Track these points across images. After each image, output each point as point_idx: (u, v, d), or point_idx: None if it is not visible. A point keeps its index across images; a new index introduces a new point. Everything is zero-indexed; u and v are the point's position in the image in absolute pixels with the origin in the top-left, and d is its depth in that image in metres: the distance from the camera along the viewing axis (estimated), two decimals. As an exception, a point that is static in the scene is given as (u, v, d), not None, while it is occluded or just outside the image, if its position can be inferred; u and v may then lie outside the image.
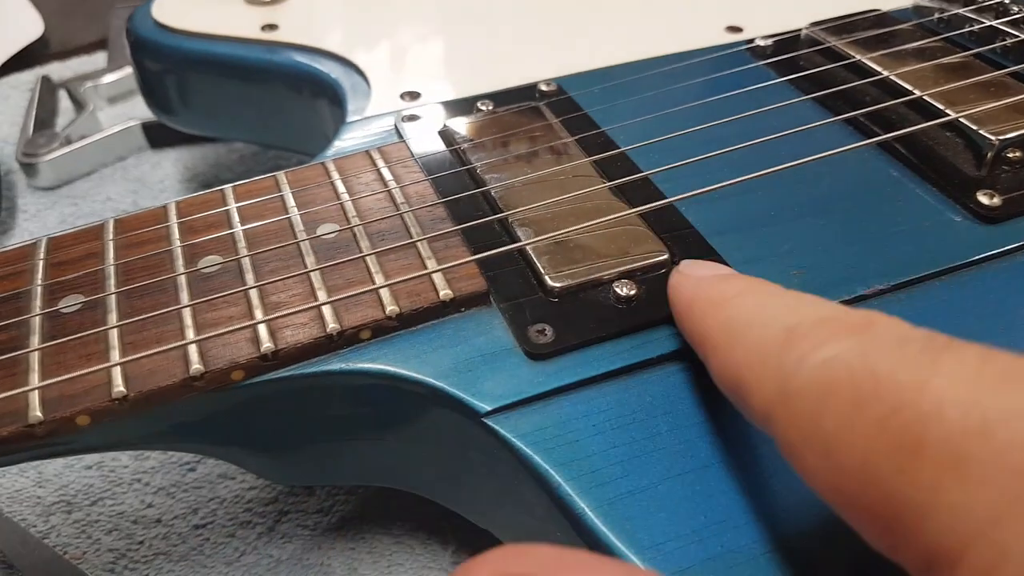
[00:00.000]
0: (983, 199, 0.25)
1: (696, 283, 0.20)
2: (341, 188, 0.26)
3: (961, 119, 0.27)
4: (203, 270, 0.23)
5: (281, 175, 0.27)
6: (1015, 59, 0.31)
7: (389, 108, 0.32)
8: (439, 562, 0.28)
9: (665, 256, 0.23)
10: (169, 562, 0.29)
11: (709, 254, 0.24)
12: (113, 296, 0.22)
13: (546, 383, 0.20)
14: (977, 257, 0.24)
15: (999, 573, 0.11)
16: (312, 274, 0.23)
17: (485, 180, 0.26)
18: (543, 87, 0.32)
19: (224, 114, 0.38)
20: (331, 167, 0.27)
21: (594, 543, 0.18)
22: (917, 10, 0.36)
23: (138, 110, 0.49)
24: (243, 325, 0.21)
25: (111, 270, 0.23)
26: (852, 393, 0.13)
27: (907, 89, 0.29)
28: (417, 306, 0.22)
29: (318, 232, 0.24)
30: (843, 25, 0.34)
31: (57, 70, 0.56)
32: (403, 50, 0.36)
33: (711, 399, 0.20)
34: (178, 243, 0.24)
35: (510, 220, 0.25)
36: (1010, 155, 0.27)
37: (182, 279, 0.23)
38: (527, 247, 0.24)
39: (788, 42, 0.34)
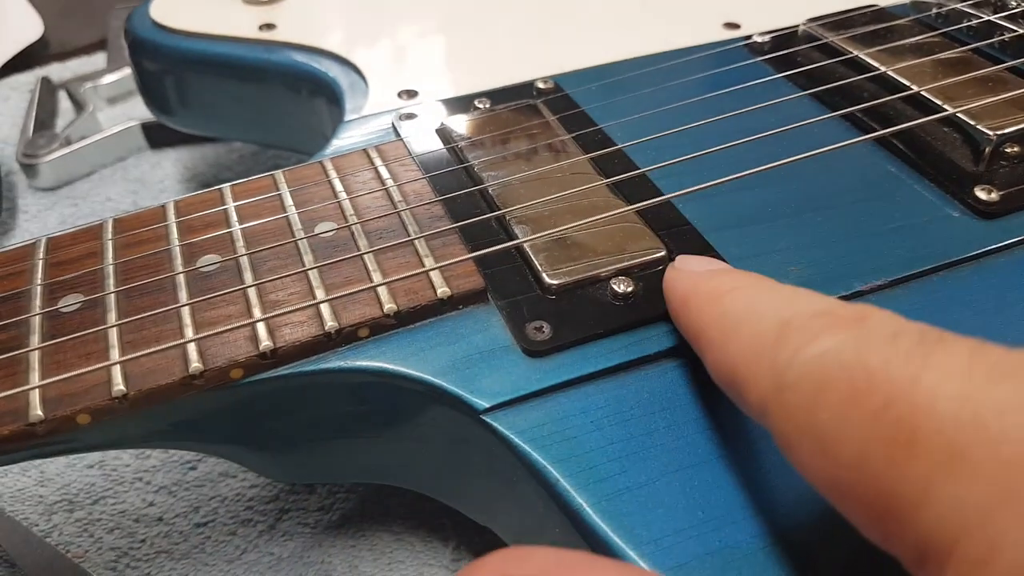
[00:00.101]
0: (981, 194, 0.25)
1: (691, 278, 0.20)
2: (339, 187, 0.26)
3: (959, 114, 0.27)
4: (202, 269, 0.23)
5: (279, 174, 0.27)
6: (1013, 54, 0.31)
7: (387, 107, 0.32)
8: (439, 559, 0.29)
9: (662, 253, 0.23)
10: (171, 560, 0.29)
11: (706, 250, 0.24)
12: (112, 295, 0.22)
13: (544, 380, 0.21)
14: (975, 252, 0.24)
15: (991, 564, 0.11)
16: (310, 272, 0.23)
17: (482, 178, 0.26)
18: (540, 85, 0.32)
19: (222, 114, 0.38)
20: (329, 166, 0.27)
21: (592, 539, 0.18)
22: (915, 5, 0.36)
23: (138, 110, 0.49)
24: (242, 323, 0.22)
25: (110, 269, 0.23)
26: (846, 387, 0.13)
27: (905, 84, 0.29)
28: (415, 304, 0.22)
29: (316, 231, 0.25)
30: (841, 21, 0.34)
31: (57, 71, 0.56)
32: (400, 49, 0.36)
33: (708, 395, 0.20)
34: (177, 242, 0.24)
35: (507, 218, 0.25)
36: (1008, 150, 0.27)
37: (181, 278, 0.23)
38: (524, 244, 0.24)
39: (785, 38, 0.34)
